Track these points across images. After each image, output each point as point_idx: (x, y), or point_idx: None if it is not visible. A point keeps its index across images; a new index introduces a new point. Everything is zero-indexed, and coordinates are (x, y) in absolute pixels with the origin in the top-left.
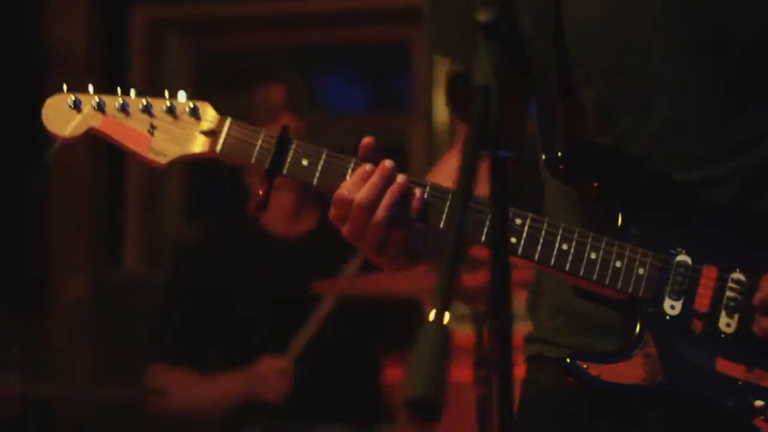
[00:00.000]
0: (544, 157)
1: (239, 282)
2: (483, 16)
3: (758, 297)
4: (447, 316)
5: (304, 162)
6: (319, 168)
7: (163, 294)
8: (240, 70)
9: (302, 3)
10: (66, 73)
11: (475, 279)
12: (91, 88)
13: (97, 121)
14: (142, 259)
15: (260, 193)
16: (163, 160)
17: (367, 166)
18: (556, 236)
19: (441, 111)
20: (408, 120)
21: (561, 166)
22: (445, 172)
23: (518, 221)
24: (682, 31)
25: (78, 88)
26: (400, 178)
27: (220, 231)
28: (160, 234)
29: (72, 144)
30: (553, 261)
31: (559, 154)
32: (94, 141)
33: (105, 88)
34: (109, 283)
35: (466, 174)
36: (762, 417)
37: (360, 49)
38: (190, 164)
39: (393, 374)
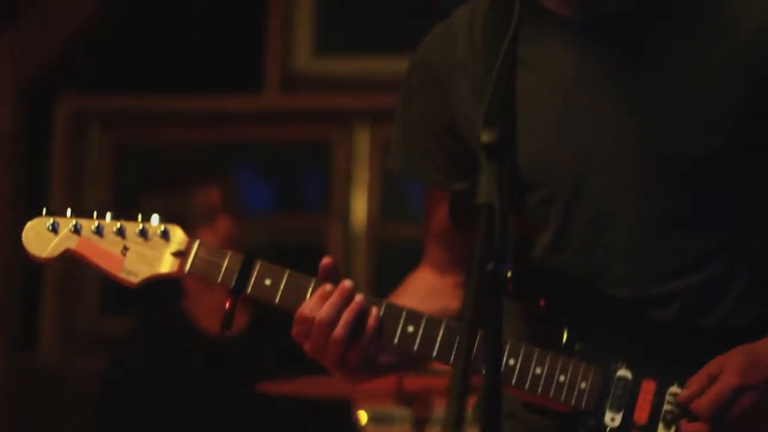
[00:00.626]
0: None
1: (175, 379)
2: (486, 137)
3: (683, 395)
4: None
5: (267, 282)
6: (281, 288)
7: (102, 387)
8: (176, 170)
9: (222, 100)
10: None
11: (416, 383)
12: (69, 211)
13: (73, 243)
14: (57, 347)
15: (226, 308)
16: (135, 280)
17: (327, 286)
18: (504, 352)
19: (359, 211)
20: (325, 219)
21: (509, 285)
22: (411, 290)
23: None
24: (636, 155)
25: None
26: (358, 297)
27: (153, 326)
28: (77, 323)
29: None
30: None
31: (509, 273)
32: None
33: (29, 175)
34: (23, 370)
35: (473, 295)
36: None
37: (276, 147)
38: None
39: None
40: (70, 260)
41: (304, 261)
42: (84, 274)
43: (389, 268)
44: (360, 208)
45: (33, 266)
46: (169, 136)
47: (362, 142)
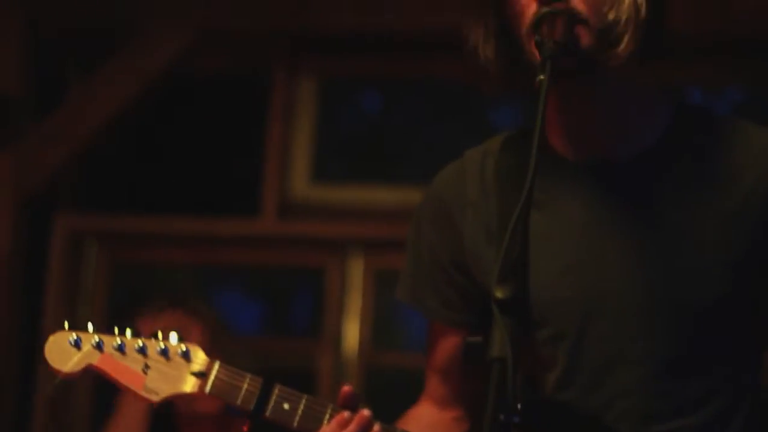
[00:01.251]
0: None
1: None
2: (500, 294)
3: None
4: None
5: (285, 406)
6: (299, 412)
7: None
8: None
9: (219, 224)
10: None
11: None
12: (90, 326)
13: (95, 359)
14: None
15: (244, 430)
16: (155, 398)
17: (346, 414)
18: None
19: (350, 338)
20: (316, 345)
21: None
22: (413, 423)
23: None
24: (641, 301)
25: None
26: (377, 426)
27: None
28: None
29: None
30: None
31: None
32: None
33: (26, 291)
34: None
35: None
36: None
37: (270, 271)
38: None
39: None
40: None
41: (292, 386)
42: (74, 400)
43: (380, 396)
44: (352, 335)
45: (54, 381)
46: (166, 256)
47: (355, 270)
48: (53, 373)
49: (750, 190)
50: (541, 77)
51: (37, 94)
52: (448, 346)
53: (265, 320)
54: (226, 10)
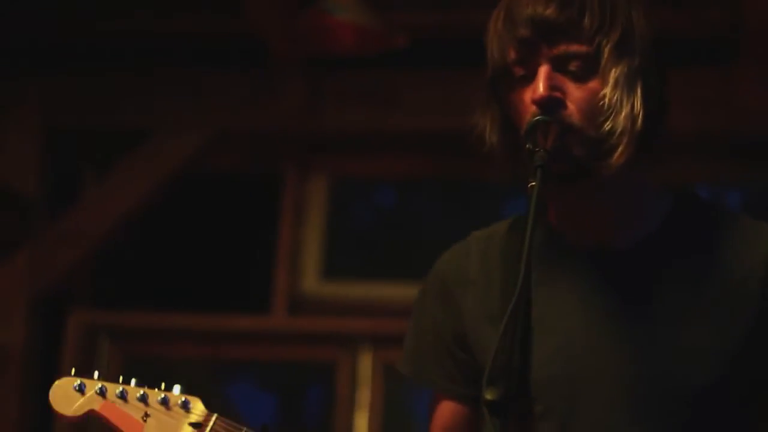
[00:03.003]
0: None
1: None
2: (489, 395)
3: None
4: None
5: None
6: None
7: None
8: None
9: (231, 320)
10: (4, 369)
11: None
12: (96, 374)
13: (97, 405)
14: None
15: None
16: None
17: None
18: None
19: (361, 431)
20: None
21: None
22: None
23: None
24: (629, 386)
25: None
26: None
27: None
28: None
29: None
30: None
31: None
32: None
33: (40, 384)
34: None
35: None
36: None
37: (281, 365)
38: None
39: None
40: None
41: None
42: None
43: None
44: (362, 428)
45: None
46: (179, 351)
47: (365, 365)
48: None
49: (744, 280)
50: (532, 183)
51: (52, 193)
52: (449, 416)
53: (278, 413)
54: (238, 110)
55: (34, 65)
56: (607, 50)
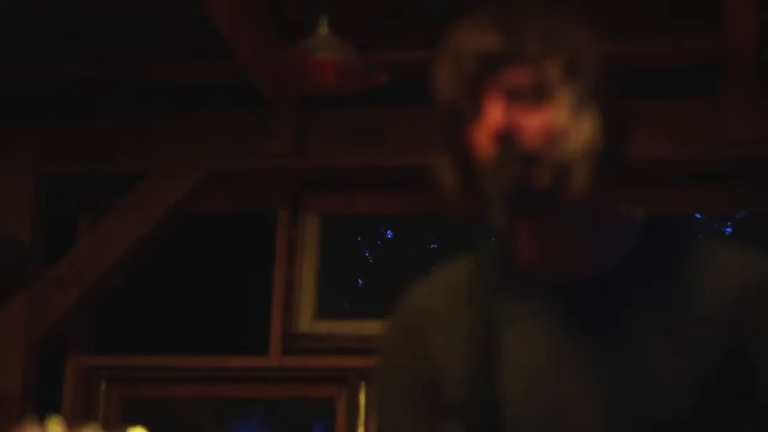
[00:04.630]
0: None
1: None
2: None
3: None
4: None
5: None
6: None
7: None
8: None
9: (226, 360)
10: (2, 413)
11: None
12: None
13: None
14: None
15: None
16: None
17: None
18: None
19: None
20: None
21: None
22: None
23: None
24: (598, 417)
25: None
26: None
27: None
28: None
29: None
30: None
31: None
32: None
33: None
34: None
35: None
36: None
37: (281, 402)
38: None
39: None
40: None
41: None
42: None
43: None
44: None
45: None
46: (178, 392)
47: (362, 400)
48: None
49: (714, 308)
50: (493, 221)
51: (48, 238)
52: None
53: None
54: (230, 151)
55: (26, 111)
56: (556, 75)
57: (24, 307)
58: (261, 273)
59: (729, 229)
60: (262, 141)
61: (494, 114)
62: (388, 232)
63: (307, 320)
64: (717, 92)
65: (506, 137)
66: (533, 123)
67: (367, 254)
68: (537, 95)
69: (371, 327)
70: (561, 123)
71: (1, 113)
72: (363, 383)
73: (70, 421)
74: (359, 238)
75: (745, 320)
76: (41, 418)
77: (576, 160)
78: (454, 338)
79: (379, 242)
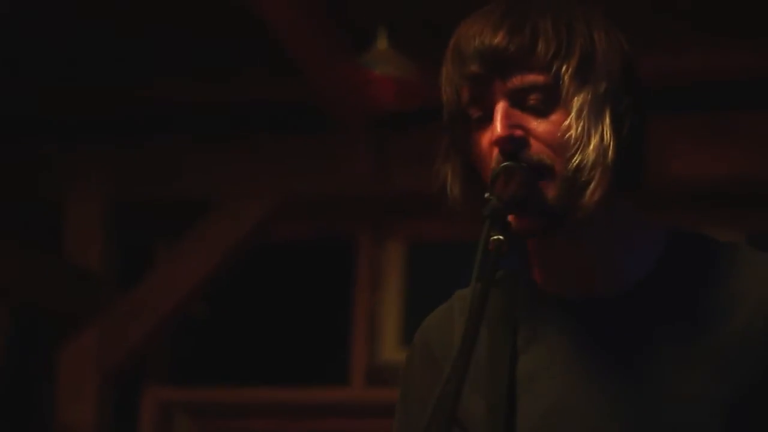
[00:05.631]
0: None
1: None
2: None
3: None
4: None
5: None
6: None
7: None
8: None
9: (307, 392)
10: None
11: None
12: None
13: None
14: None
15: None
16: None
17: None
18: None
19: None
20: None
21: None
22: None
23: None
24: None
25: None
26: None
27: None
28: None
29: None
30: None
31: None
32: None
33: None
34: None
35: None
36: None
37: None
38: None
39: None
40: None
41: None
42: None
43: None
44: None
45: None
46: (257, 426)
47: None
48: None
49: (748, 323)
50: (495, 237)
51: (121, 267)
52: None
53: None
54: (303, 176)
55: (96, 138)
56: (566, 77)
57: (96, 338)
58: (341, 302)
59: None
60: (337, 165)
61: (499, 119)
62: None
63: (391, 349)
64: None
65: (511, 144)
66: (542, 130)
67: (453, 281)
68: (547, 100)
69: None
70: (572, 131)
71: (71, 139)
72: None
73: None
74: (446, 263)
75: None
76: None
77: (587, 173)
78: (471, 370)
79: (467, 267)
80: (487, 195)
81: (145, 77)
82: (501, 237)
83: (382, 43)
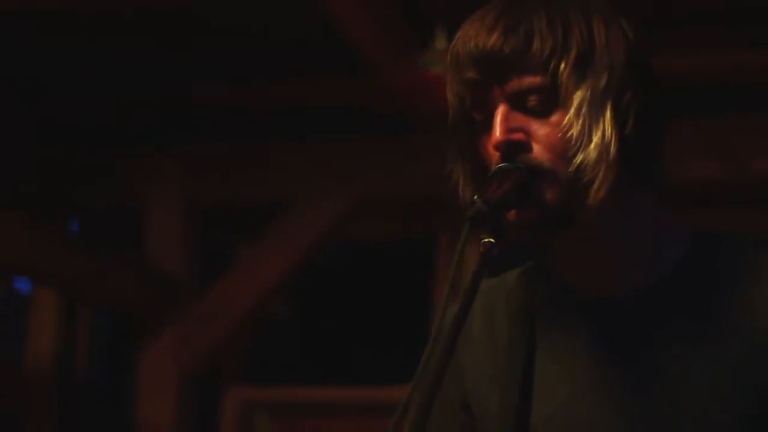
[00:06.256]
0: None
1: None
2: None
3: None
4: None
5: None
6: None
7: None
8: None
9: (387, 391)
10: None
11: None
12: None
13: None
14: None
15: None
16: None
17: None
18: None
19: None
20: None
21: None
22: None
23: None
24: None
25: None
26: None
27: None
28: None
29: None
30: None
31: None
32: None
33: None
34: None
35: None
36: None
37: None
38: None
39: None
40: None
41: None
42: None
43: None
44: None
45: None
46: (339, 425)
47: None
48: None
49: (765, 329)
50: (486, 240)
51: (199, 269)
52: None
53: None
54: (380, 176)
55: (174, 143)
56: (564, 75)
57: (176, 340)
58: (420, 301)
59: None
60: (415, 164)
61: (498, 123)
62: None
63: None
64: None
65: (511, 148)
66: (543, 132)
67: None
68: (546, 101)
69: None
70: (572, 130)
71: (148, 140)
72: None
73: None
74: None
75: None
76: None
77: (590, 172)
78: (487, 362)
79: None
80: (475, 197)
81: (222, 82)
82: (492, 240)
83: (441, 42)
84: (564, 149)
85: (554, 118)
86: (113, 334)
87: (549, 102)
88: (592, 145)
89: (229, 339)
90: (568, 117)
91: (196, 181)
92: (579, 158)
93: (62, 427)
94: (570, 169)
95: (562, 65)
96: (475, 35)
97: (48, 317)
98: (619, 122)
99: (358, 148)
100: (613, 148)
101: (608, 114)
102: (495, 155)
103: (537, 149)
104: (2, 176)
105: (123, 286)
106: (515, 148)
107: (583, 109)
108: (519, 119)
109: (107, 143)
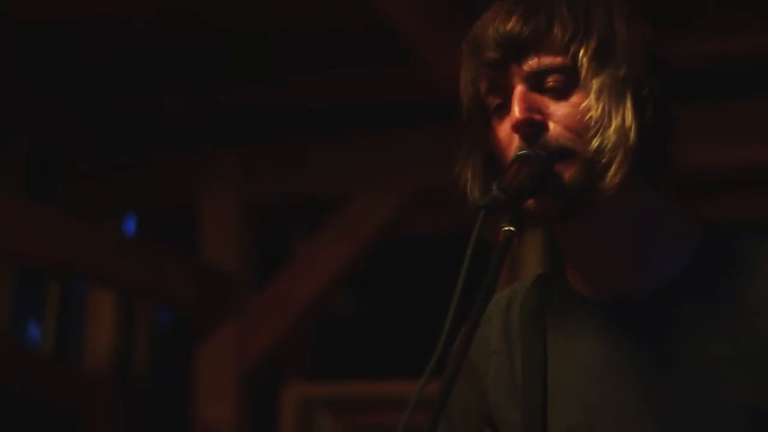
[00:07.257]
0: None
1: None
2: None
3: None
4: None
5: None
6: None
7: None
8: None
9: None
10: None
11: None
12: None
13: None
14: None
15: None
16: None
17: None
18: None
19: None
20: None
21: None
22: None
23: None
24: None
25: None
26: None
27: None
28: None
29: None
30: None
31: None
32: None
33: None
34: None
35: None
36: None
37: None
38: None
39: None
40: None
41: None
42: None
43: None
44: None
45: None
46: (397, 421)
47: None
48: None
49: None
50: (507, 228)
51: (256, 266)
52: None
53: None
54: (436, 169)
55: (229, 136)
56: (585, 59)
57: (233, 337)
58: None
59: None
60: None
61: (517, 102)
62: None
63: None
64: None
65: (530, 127)
66: (561, 112)
67: None
68: (565, 82)
69: None
70: (591, 112)
71: (204, 136)
72: None
73: None
74: None
75: None
76: None
77: (607, 155)
78: (507, 374)
79: None
80: (493, 185)
81: (278, 78)
82: (512, 228)
83: None
84: (583, 130)
85: (574, 99)
86: (172, 333)
87: (568, 83)
88: (612, 128)
89: (287, 336)
90: (588, 99)
91: (252, 178)
92: (597, 140)
93: (121, 426)
94: (589, 149)
95: (583, 50)
96: (494, 20)
97: (106, 317)
98: (638, 110)
99: (414, 140)
100: (632, 134)
101: (629, 101)
102: (511, 140)
103: (554, 128)
104: (58, 176)
105: (180, 285)
106: (534, 128)
107: (604, 93)
108: (537, 100)
109: (163, 143)
